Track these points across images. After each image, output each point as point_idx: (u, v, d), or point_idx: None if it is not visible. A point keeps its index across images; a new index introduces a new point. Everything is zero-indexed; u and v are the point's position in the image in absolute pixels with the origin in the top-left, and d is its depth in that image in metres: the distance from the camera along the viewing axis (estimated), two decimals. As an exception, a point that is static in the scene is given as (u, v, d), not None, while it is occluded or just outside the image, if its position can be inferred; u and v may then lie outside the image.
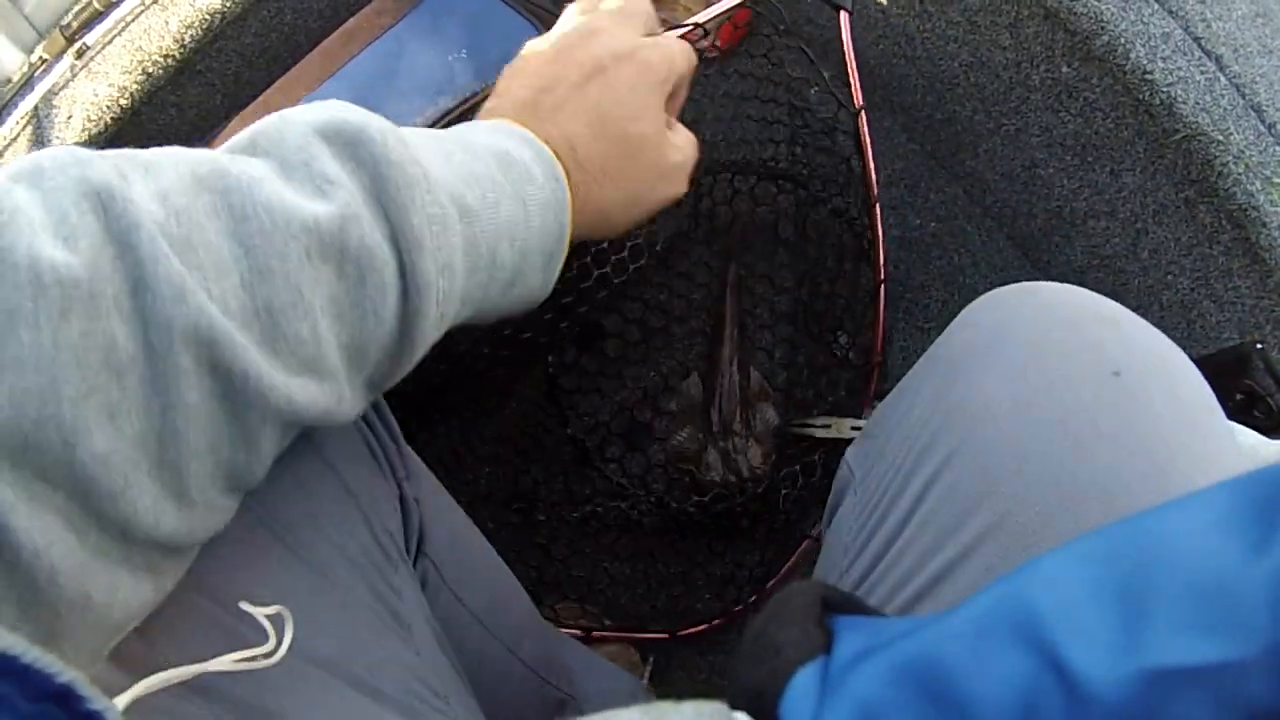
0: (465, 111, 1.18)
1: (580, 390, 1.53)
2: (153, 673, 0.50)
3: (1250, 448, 0.92)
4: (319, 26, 1.48)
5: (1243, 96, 1.31)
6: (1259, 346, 1.35)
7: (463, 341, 1.04)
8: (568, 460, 1.52)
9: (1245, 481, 0.35)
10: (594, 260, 1.27)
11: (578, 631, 1.37)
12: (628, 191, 0.78)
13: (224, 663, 0.53)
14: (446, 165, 0.64)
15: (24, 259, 0.44)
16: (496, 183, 0.66)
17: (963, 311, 0.77)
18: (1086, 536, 0.38)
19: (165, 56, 1.44)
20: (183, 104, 1.50)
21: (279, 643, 0.55)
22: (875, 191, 1.27)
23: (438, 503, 0.89)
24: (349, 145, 0.58)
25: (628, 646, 1.44)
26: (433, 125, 1.14)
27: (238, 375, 0.51)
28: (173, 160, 0.54)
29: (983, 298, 0.76)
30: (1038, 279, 1.56)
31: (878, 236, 1.31)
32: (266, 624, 0.56)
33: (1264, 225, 1.28)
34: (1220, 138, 1.28)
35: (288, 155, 0.57)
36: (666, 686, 1.46)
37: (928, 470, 0.70)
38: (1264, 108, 1.31)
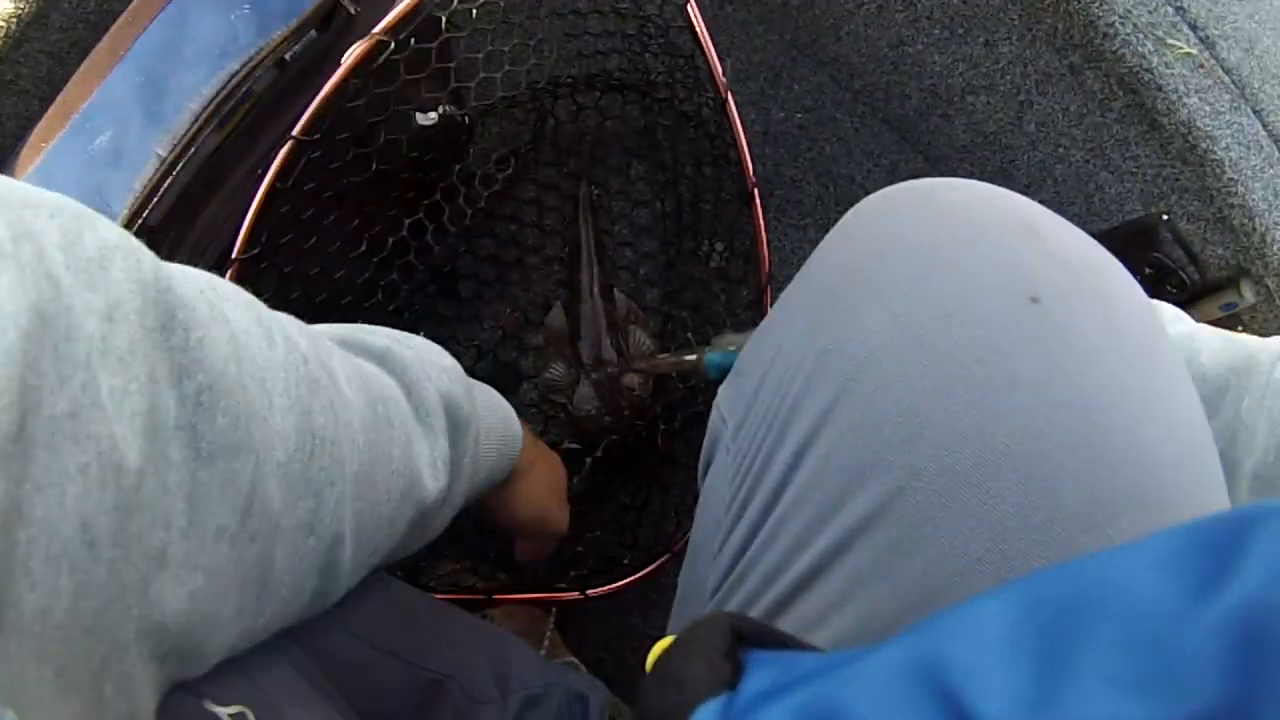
0: (250, 73, 1.08)
1: (439, 339, 1.40)
2: None
3: (1183, 338, 0.83)
4: (124, 6, 1.36)
5: None
6: (1165, 218, 1.28)
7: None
8: None
9: (1193, 523, 0.33)
10: (443, 197, 1.26)
11: (478, 596, 1.28)
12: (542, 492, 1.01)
13: None
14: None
15: (246, 485, 0.48)
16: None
17: (839, 222, 0.65)
18: (1011, 583, 0.36)
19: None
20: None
21: None
22: (724, 85, 1.18)
23: None
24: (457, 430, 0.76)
25: (527, 608, 1.36)
26: (219, 96, 1.06)
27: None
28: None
29: (863, 203, 0.64)
30: (919, 162, 1.54)
31: (739, 136, 1.21)
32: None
33: (1160, 89, 1.21)
34: None
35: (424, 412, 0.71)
36: (583, 656, 1.40)
37: (801, 429, 0.59)
38: None
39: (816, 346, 0.60)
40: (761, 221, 1.25)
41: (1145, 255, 1.30)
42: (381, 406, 0.63)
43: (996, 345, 0.52)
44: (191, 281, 0.48)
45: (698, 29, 1.16)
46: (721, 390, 0.76)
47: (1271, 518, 0.31)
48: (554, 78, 1.37)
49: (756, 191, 1.23)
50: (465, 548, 1.38)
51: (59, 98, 1.19)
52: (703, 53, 1.19)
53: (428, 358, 0.75)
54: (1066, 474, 0.50)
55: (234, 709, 0.55)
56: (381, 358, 0.69)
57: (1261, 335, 1.33)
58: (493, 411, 0.86)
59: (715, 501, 0.71)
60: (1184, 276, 1.32)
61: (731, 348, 1.06)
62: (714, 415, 0.76)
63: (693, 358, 1.11)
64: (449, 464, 0.72)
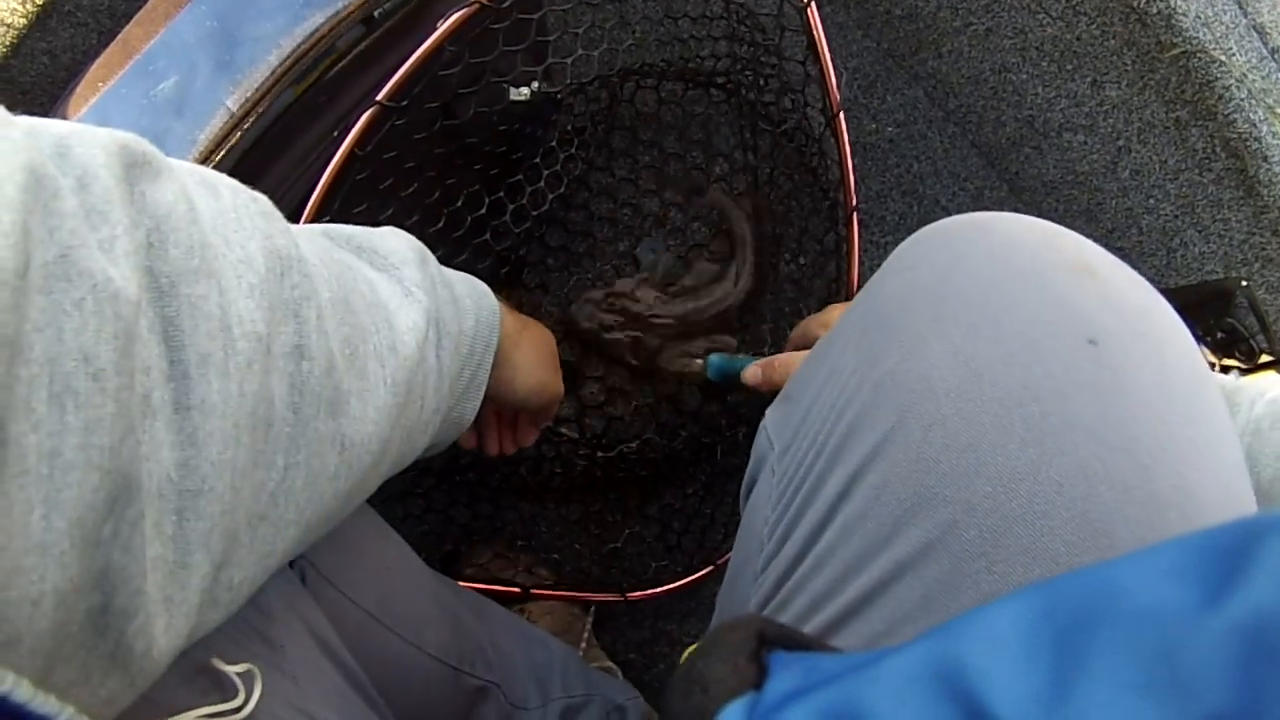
0: (334, 27, 1.03)
1: None
2: None
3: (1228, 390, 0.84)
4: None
5: (1245, 14, 1.21)
6: (1244, 284, 1.27)
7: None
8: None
9: (1205, 531, 0.34)
10: (525, 179, 1.24)
11: (516, 591, 1.27)
12: (534, 361, 0.99)
13: (189, 718, 0.53)
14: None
15: (216, 309, 0.48)
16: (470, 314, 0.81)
17: (897, 250, 0.64)
18: (1028, 588, 0.37)
19: (24, 2, 1.24)
20: (55, 50, 1.32)
21: (248, 698, 0.56)
22: (838, 101, 1.15)
23: None
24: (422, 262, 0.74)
25: (568, 605, 1.34)
26: (299, 50, 1.00)
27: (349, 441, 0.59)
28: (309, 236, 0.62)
29: (922, 233, 0.63)
30: (1003, 190, 1.52)
31: (845, 154, 1.18)
32: (237, 680, 0.57)
33: (1265, 159, 1.20)
34: (1223, 58, 1.18)
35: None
36: (613, 655, 1.38)
37: (854, 458, 0.59)
38: (1267, 30, 1.21)
39: (873, 375, 0.59)
40: (857, 242, 1.23)
41: (1219, 318, 1.30)
42: (338, 252, 0.66)
43: (1055, 386, 0.52)
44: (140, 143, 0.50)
45: (816, 35, 1.12)
46: (770, 412, 0.76)
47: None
48: (642, 64, 1.33)
49: (856, 215, 1.21)
50: (504, 536, 1.37)
51: (120, 35, 1.13)
52: (818, 60, 1.15)
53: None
54: (1118, 516, 0.50)
55: (241, 666, 0.58)
56: (325, 231, 0.71)
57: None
58: (462, 282, 0.84)
59: (758, 523, 0.70)
60: (1253, 345, 1.32)
61: (740, 355, 1.07)
62: (760, 437, 0.76)
63: (699, 362, 1.13)
64: (426, 311, 0.70)
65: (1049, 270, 0.55)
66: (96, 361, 0.40)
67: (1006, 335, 0.54)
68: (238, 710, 0.55)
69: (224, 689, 0.57)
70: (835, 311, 0.97)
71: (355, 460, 0.60)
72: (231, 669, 0.57)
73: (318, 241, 0.63)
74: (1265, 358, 1.34)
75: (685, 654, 0.49)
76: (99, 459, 0.40)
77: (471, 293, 0.83)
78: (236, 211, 0.54)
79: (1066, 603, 0.34)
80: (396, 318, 0.66)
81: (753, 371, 0.99)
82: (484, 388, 0.85)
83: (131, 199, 0.47)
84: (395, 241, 0.74)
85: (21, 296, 0.38)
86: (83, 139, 0.46)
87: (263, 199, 0.59)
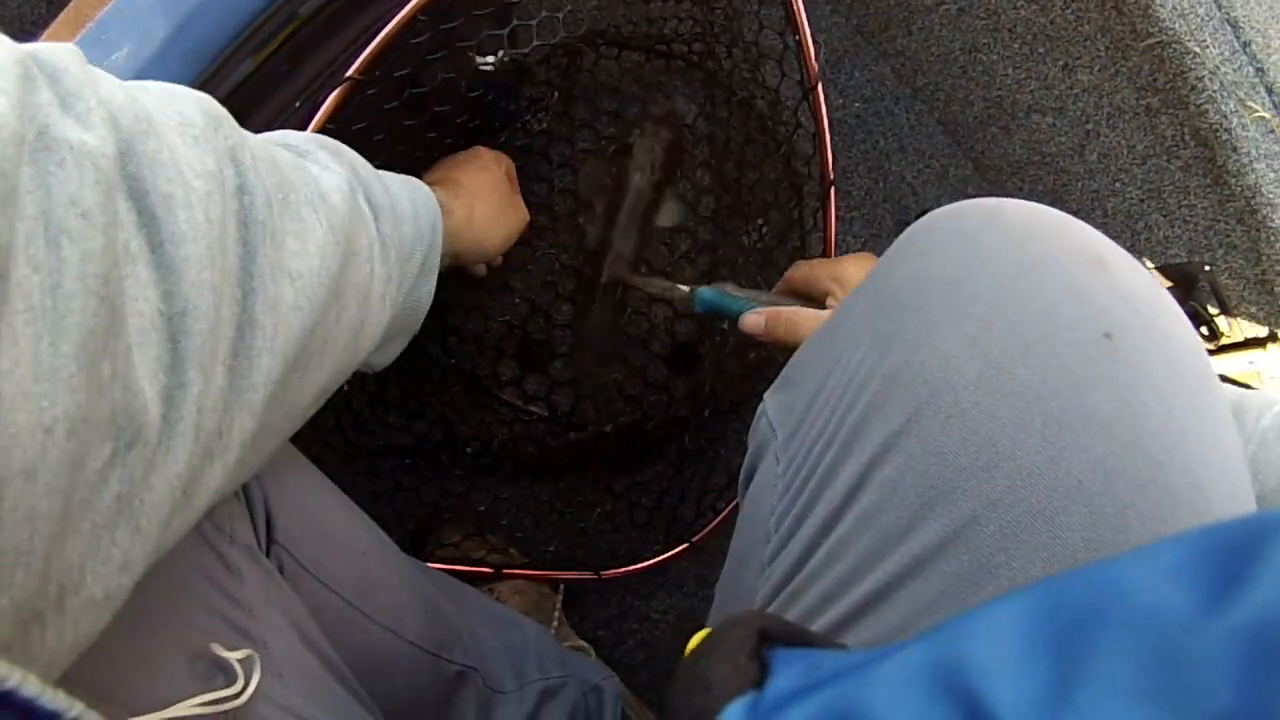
0: None
1: (468, 306, 1.37)
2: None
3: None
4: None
5: (1219, 8, 1.22)
6: (1207, 269, 1.30)
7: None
8: (457, 393, 1.37)
9: (1207, 529, 0.33)
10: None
11: (488, 571, 1.25)
12: (487, 213, 1.06)
13: (188, 706, 0.56)
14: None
15: (169, 159, 0.52)
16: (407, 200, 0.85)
17: (907, 234, 0.63)
18: (1030, 587, 0.36)
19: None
20: (3, 18, 1.29)
21: (246, 684, 0.59)
22: (815, 72, 1.14)
23: (288, 474, 0.83)
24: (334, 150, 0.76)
25: (537, 584, 1.33)
26: (260, 16, 0.96)
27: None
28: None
29: (932, 218, 0.63)
30: (968, 169, 1.53)
31: (823, 126, 1.18)
32: (237, 666, 0.60)
33: (1234, 149, 1.21)
34: (1197, 49, 1.20)
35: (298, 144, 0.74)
36: (581, 633, 1.38)
37: (868, 448, 0.58)
38: (1241, 24, 1.23)
39: (886, 364, 0.59)
40: (834, 215, 1.22)
41: (1182, 301, 1.32)
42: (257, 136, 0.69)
43: (1073, 381, 0.52)
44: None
45: (796, 6, 1.11)
46: (769, 398, 0.75)
47: None
48: (608, 26, 1.31)
49: (834, 189, 1.21)
50: (474, 515, 1.36)
51: (71, 3, 1.08)
52: (796, 32, 1.14)
53: None
54: (1133, 512, 0.50)
55: (241, 653, 0.60)
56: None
57: (1271, 391, 1.39)
58: (391, 175, 0.86)
59: (763, 512, 0.70)
60: (1215, 327, 1.35)
61: (729, 292, 1.02)
62: (760, 423, 0.75)
63: (685, 289, 1.08)
64: (346, 178, 0.72)
65: (1064, 260, 0.55)
66: (83, 203, 0.45)
67: (1023, 328, 0.54)
68: (236, 696, 0.58)
69: (224, 677, 0.60)
70: (849, 264, 0.94)
71: (311, 293, 0.62)
72: (232, 655, 0.60)
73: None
74: (1227, 339, 1.37)
75: (688, 648, 0.49)
76: (95, 286, 0.44)
77: (401, 180, 0.86)
78: (164, 89, 0.59)
79: (1069, 602, 0.34)
80: (321, 178, 0.68)
81: (754, 320, 0.94)
82: (437, 268, 0.89)
83: (94, 85, 0.51)
84: (307, 138, 0.77)
85: (14, 165, 0.42)
86: (47, 47, 0.51)
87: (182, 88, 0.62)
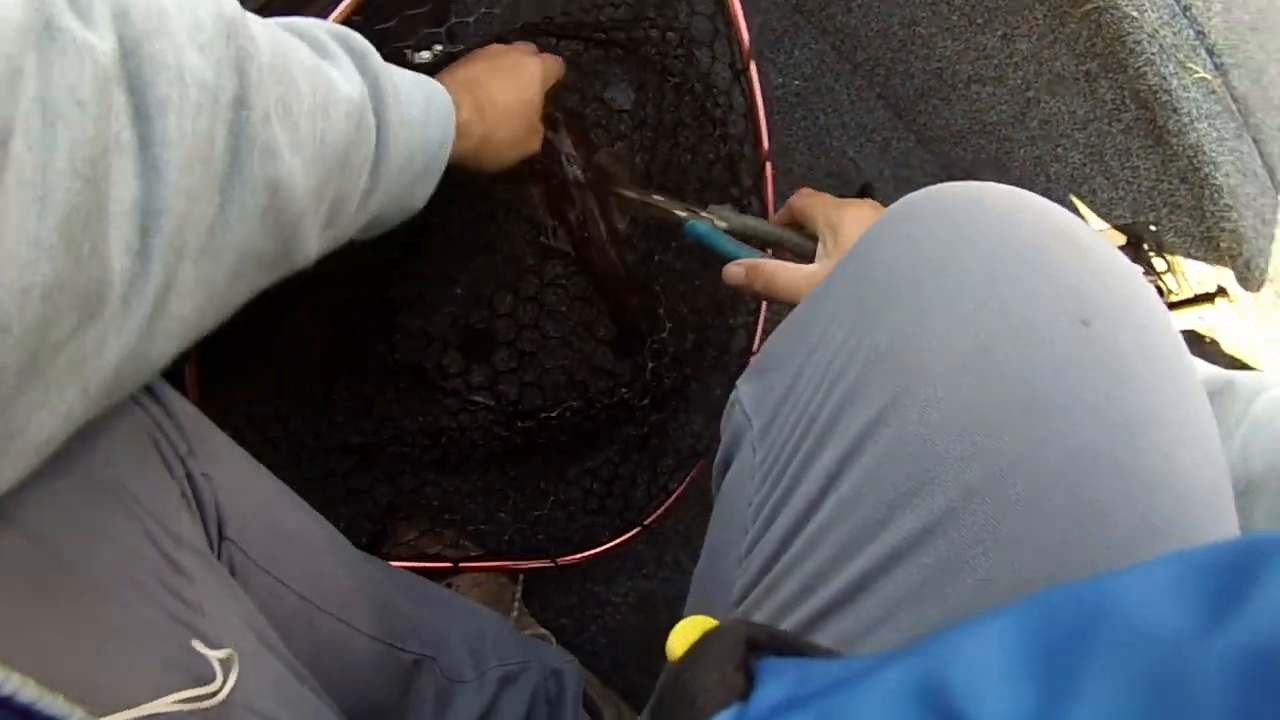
0: None
1: (409, 300, 1.36)
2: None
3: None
4: None
5: None
6: (1153, 229, 1.30)
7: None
8: (404, 388, 1.36)
9: (1207, 548, 0.33)
10: None
11: (446, 565, 1.26)
12: (504, 139, 1.05)
13: (165, 703, 0.57)
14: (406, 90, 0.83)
15: (172, 61, 0.54)
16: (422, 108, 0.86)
17: (885, 216, 0.63)
18: (1022, 603, 0.36)
19: None
20: None
21: (224, 682, 0.61)
22: (748, 52, 1.15)
23: (235, 471, 0.83)
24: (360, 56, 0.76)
25: (494, 575, 1.33)
26: None
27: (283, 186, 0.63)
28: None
29: (913, 201, 0.62)
30: (910, 141, 1.54)
31: (756, 104, 1.18)
32: (216, 665, 0.61)
33: (1175, 110, 1.21)
34: (1134, 14, 1.19)
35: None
36: (544, 621, 1.38)
37: (847, 436, 0.57)
38: None
39: (864, 349, 0.58)
40: (771, 193, 1.23)
41: (1131, 260, 1.32)
42: (286, 34, 0.69)
43: (1053, 366, 0.52)
44: None
45: None
46: (742, 386, 0.74)
47: None
48: (533, 23, 1.29)
49: (769, 164, 1.21)
50: (429, 511, 1.35)
51: None
52: (726, 13, 1.14)
53: None
54: (1114, 499, 0.50)
55: (222, 652, 0.61)
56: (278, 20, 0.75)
57: (1230, 354, 1.39)
58: (411, 79, 0.87)
59: (739, 502, 0.69)
60: (1161, 285, 1.35)
61: (721, 224, 1.02)
62: (735, 411, 0.74)
63: (683, 214, 1.07)
64: (359, 89, 0.74)
65: (1043, 245, 0.55)
66: (79, 93, 0.48)
67: (1002, 315, 0.53)
68: (214, 694, 0.59)
69: (192, 676, 0.62)
70: (848, 215, 0.90)
71: (285, 204, 0.64)
72: (212, 654, 0.61)
73: (268, 24, 0.67)
74: (1175, 297, 1.37)
75: (670, 646, 0.49)
76: (83, 169, 0.48)
77: (423, 89, 0.86)
78: None
79: (1061, 620, 0.34)
80: (334, 88, 0.69)
81: (735, 271, 0.94)
82: (438, 176, 0.90)
83: None
84: (339, 36, 0.77)
85: (20, 50, 0.46)
86: None
87: None
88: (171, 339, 0.60)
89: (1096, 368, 0.51)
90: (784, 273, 0.89)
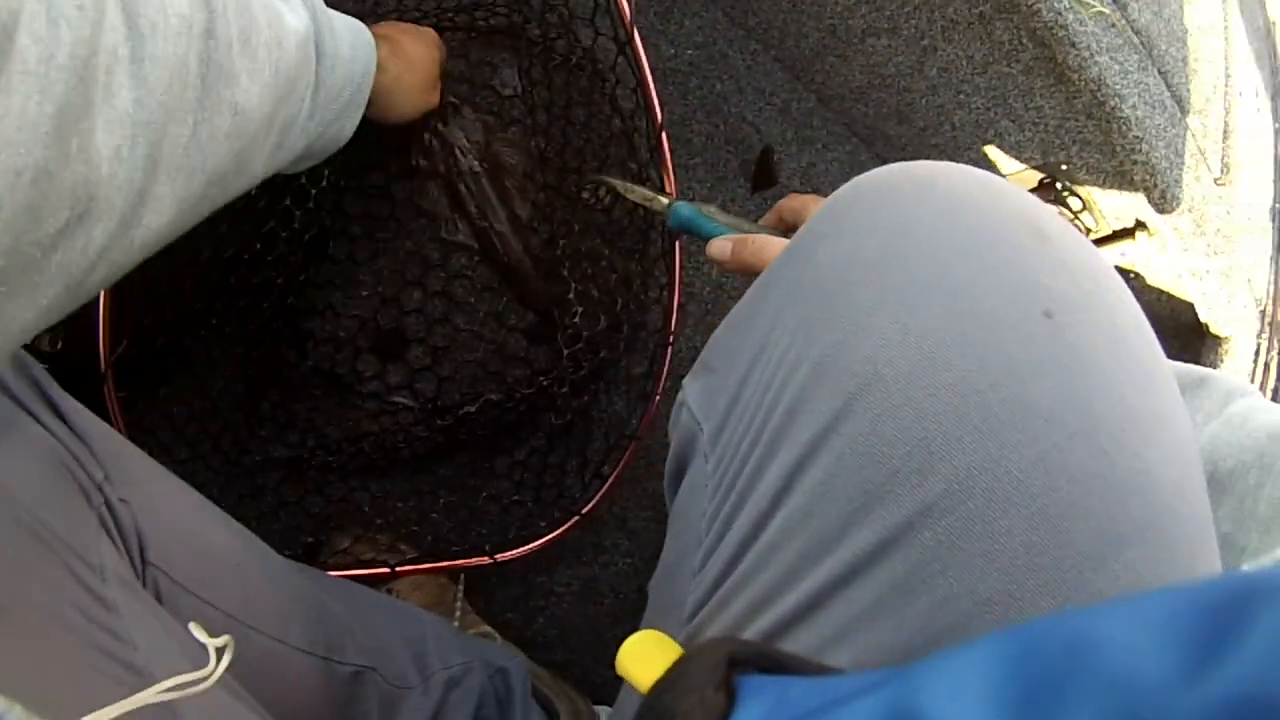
0: None
1: (315, 309, 1.35)
2: None
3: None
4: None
5: None
6: (1064, 168, 1.29)
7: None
8: (321, 396, 1.35)
9: (1195, 586, 0.32)
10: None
11: (383, 571, 1.24)
12: (411, 84, 1.11)
13: (151, 693, 0.56)
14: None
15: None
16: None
17: (827, 206, 0.60)
18: (1000, 634, 0.35)
19: None
20: None
21: (216, 665, 0.61)
22: (630, 23, 1.14)
23: (155, 493, 0.82)
24: None
25: (434, 577, 1.32)
26: None
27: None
28: None
29: (856, 187, 0.59)
30: (811, 101, 1.52)
31: (645, 76, 1.18)
32: (212, 651, 0.62)
33: (1073, 45, 1.20)
34: None
35: None
36: (489, 617, 1.37)
37: (796, 446, 0.55)
38: None
39: (812, 353, 0.55)
40: (669, 162, 1.21)
41: (1045, 201, 1.31)
42: None
43: (1010, 367, 0.49)
44: None
45: None
46: (689, 385, 0.72)
47: (1276, 593, 0.30)
48: (408, 6, 1.31)
49: (665, 135, 1.20)
50: (360, 517, 1.34)
51: None
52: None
53: None
54: (1077, 509, 0.47)
55: (220, 640, 0.62)
56: None
57: (1155, 287, 1.38)
58: (341, 18, 0.91)
59: (694, 513, 0.66)
60: (1079, 226, 1.34)
61: (706, 212, 0.99)
62: (683, 415, 0.71)
63: (665, 201, 1.06)
64: (306, 24, 0.79)
65: (1001, 234, 0.52)
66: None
67: (959, 312, 0.50)
68: (205, 679, 0.59)
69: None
70: None
71: (243, 126, 0.69)
72: (211, 641, 0.62)
73: None
74: (1095, 235, 1.36)
75: (626, 651, 0.49)
76: (79, 67, 0.53)
77: (350, 26, 0.91)
78: None
79: (1040, 656, 0.33)
80: (283, 20, 0.74)
81: (720, 246, 0.90)
82: (361, 109, 0.96)
83: None
84: None
85: None
86: None
87: None
88: (143, 250, 0.65)
89: (1059, 366, 0.49)
90: (774, 245, 0.86)
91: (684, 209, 1.00)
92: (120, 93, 0.57)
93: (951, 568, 0.49)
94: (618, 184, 1.15)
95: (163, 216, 0.64)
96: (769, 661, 0.46)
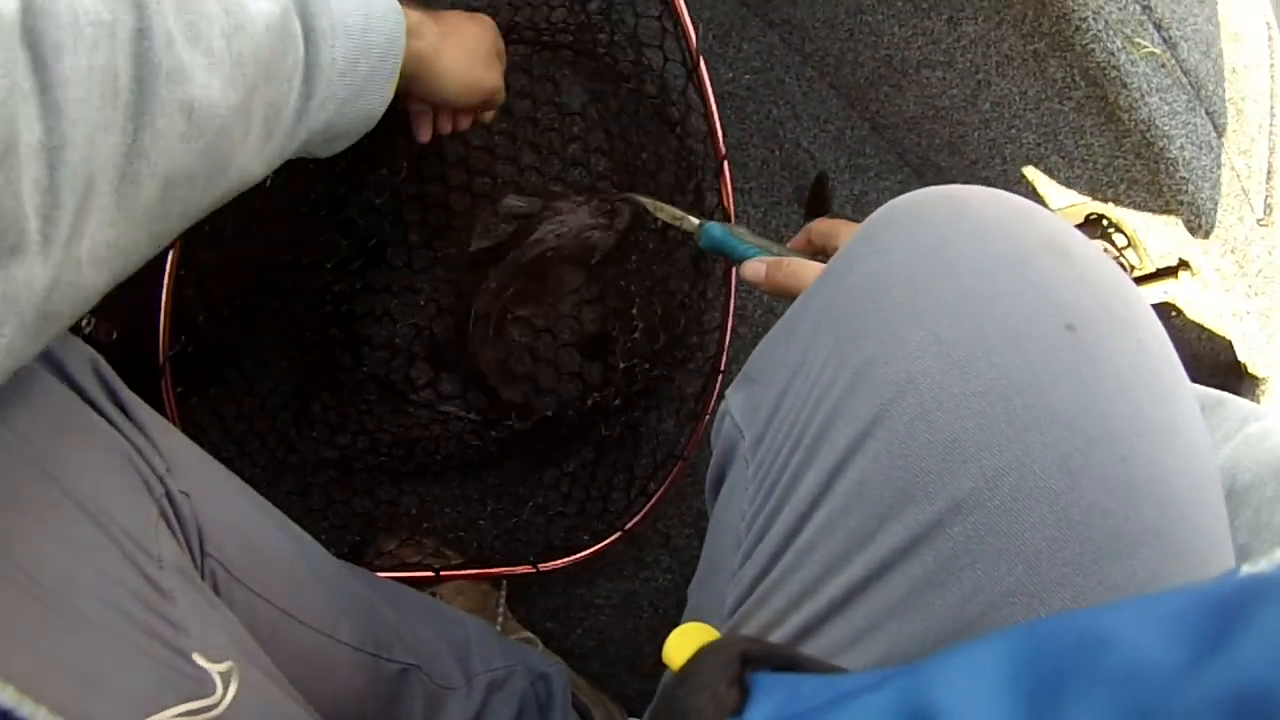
0: None
1: (374, 315, 1.37)
2: None
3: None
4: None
5: None
6: (1111, 206, 1.31)
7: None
8: (374, 400, 1.37)
9: (1199, 586, 0.33)
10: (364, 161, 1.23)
11: (428, 574, 1.26)
12: (459, 55, 1.03)
13: (166, 716, 0.59)
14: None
15: (66, 9, 0.57)
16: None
17: (865, 228, 0.63)
18: (1011, 630, 0.36)
19: None
20: None
21: (224, 693, 0.63)
22: (696, 51, 1.16)
23: (212, 487, 0.84)
24: None
25: (477, 583, 1.33)
26: None
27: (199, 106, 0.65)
28: None
29: (893, 209, 0.62)
30: (865, 129, 1.54)
31: (709, 105, 1.20)
32: (217, 678, 0.64)
33: (1124, 85, 1.21)
34: None
35: None
36: (529, 625, 1.38)
37: (834, 451, 0.58)
38: None
39: (850, 364, 0.58)
40: (729, 189, 1.23)
41: (1090, 239, 1.33)
42: None
43: (1035, 377, 0.52)
44: None
45: None
46: (731, 396, 0.74)
47: (1276, 592, 0.31)
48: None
49: (727, 163, 1.21)
50: (407, 521, 1.36)
51: None
52: (673, 13, 1.15)
53: None
54: (1096, 508, 0.50)
55: (223, 666, 0.64)
56: None
57: (1196, 325, 1.40)
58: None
59: (734, 516, 0.69)
60: (1124, 262, 1.36)
61: (737, 233, 1.00)
62: (725, 423, 0.74)
63: (696, 222, 1.06)
64: (282, 11, 0.74)
65: (1027, 253, 0.55)
66: None
67: (987, 324, 0.53)
68: (214, 706, 0.61)
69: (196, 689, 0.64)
70: None
71: (205, 122, 0.66)
72: (213, 667, 0.64)
73: None
74: (1138, 272, 1.38)
75: (666, 654, 0.50)
76: None
77: None
78: None
79: (1051, 650, 0.34)
80: (244, 5, 0.70)
81: (754, 268, 0.92)
82: (392, 81, 0.89)
83: None
84: None
85: None
86: None
87: None
88: (102, 266, 0.63)
89: (1081, 376, 0.52)
90: (808, 268, 0.88)
91: (715, 229, 1.01)
92: (33, 127, 0.56)
93: (979, 561, 0.52)
94: (648, 202, 1.16)
95: (113, 228, 0.62)
96: (782, 660, 0.48)
